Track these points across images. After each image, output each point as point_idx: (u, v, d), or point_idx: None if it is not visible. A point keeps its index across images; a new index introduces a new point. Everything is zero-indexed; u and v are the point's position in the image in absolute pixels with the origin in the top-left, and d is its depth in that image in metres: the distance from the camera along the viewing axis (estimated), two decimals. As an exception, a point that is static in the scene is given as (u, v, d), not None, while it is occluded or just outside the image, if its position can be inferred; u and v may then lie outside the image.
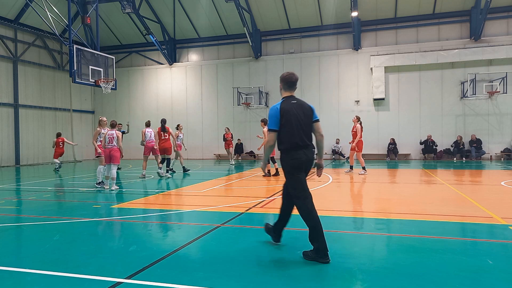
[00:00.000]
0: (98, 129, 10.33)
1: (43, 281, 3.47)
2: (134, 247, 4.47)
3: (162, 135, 12.63)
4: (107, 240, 5.02)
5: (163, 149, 12.62)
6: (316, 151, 4.29)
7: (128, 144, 22.32)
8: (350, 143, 13.42)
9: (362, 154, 13.35)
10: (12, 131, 20.32)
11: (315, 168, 4.36)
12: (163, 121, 12.86)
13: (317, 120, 4.18)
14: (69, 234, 5.25)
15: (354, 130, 12.98)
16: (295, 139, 4.02)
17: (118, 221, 6.08)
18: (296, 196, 4.04)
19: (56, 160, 16.21)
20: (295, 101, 4.14)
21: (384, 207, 7.03)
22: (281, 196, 4.42)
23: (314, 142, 4.22)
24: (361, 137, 13.02)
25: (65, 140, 16.58)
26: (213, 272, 3.63)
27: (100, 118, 10.46)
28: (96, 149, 10.30)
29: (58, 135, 16.64)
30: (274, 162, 12.22)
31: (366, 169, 12.99)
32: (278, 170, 12.36)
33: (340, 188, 9.80)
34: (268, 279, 3.46)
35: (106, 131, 10.05)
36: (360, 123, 13.03)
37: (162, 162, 12.70)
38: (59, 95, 23.21)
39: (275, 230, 4.48)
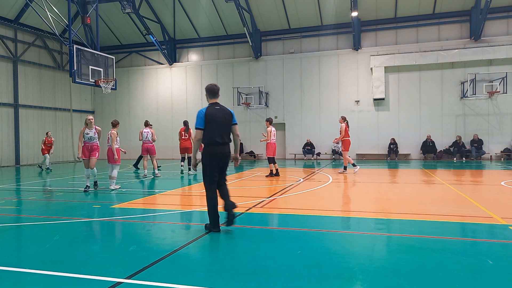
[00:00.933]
0: (82, 129, 9.38)
1: (43, 281, 3.47)
2: (134, 247, 4.47)
3: (183, 134, 13.36)
4: (107, 240, 5.02)
5: (184, 148, 13.38)
6: (233, 147, 5.39)
7: (128, 144, 22.38)
8: (334, 141, 14.20)
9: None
10: (12, 131, 20.32)
11: (234, 161, 5.61)
12: (186, 123, 13.58)
13: (235, 124, 5.23)
14: (69, 234, 5.25)
15: (341, 130, 13.20)
16: (215, 137, 4.96)
17: (118, 221, 6.08)
18: (206, 181, 5.07)
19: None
20: (219, 107, 5.11)
21: (384, 207, 7.03)
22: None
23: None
24: (348, 136, 13.16)
25: (45, 140, 16.52)
26: (213, 272, 3.64)
27: (86, 117, 9.53)
28: (79, 150, 9.40)
29: (46, 133, 17.05)
30: (274, 162, 12.32)
31: (355, 166, 13.13)
32: (278, 170, 12.44)
33: (340, 188, 9.81)
34: (267, 279, 3.46)
35: (92, 131, 9.35)
36: (346, 123, 13.17)
37: (183, 160, 13.46)
38: (59, 95, 23.20)
39: (214, 223, 5.10)
